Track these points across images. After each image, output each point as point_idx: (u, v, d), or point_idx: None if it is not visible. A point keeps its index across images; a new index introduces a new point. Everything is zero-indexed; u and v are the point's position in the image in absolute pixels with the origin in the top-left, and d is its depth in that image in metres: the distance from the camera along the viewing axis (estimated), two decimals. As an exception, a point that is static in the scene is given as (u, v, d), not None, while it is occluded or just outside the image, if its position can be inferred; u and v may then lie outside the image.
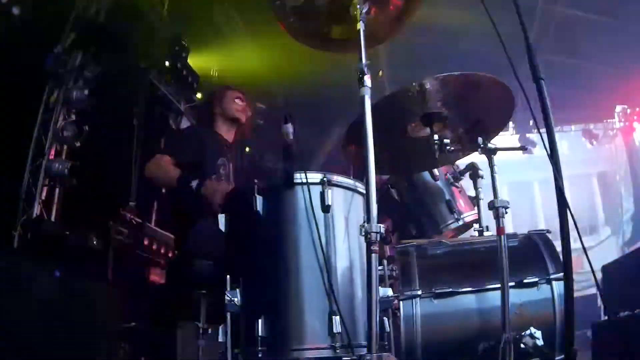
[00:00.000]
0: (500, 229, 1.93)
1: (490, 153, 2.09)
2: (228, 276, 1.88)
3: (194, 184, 2.56)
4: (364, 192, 1.77)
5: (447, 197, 2.89)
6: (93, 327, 3.76)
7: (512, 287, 1.91)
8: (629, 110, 10.63)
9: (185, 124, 7.58)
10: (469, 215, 2.89)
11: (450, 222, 2.86)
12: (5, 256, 3.73)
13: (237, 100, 3.07)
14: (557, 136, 1.63)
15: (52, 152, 5.47)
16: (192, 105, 2.98)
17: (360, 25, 1.84)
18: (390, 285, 2.09)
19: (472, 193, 2.87)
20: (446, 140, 2.19)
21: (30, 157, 5.32)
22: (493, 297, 2.03)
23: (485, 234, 2.67)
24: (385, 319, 1.91)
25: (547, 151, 1.57)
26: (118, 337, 4.20)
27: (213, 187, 2.53)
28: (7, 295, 3.14)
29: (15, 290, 3.23)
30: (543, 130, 1.60)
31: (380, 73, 2.48)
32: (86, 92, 5.53)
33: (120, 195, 6.48)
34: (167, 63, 7.15)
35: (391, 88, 2.09)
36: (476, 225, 2.81)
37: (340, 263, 1.82)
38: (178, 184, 2.63)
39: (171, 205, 2.93)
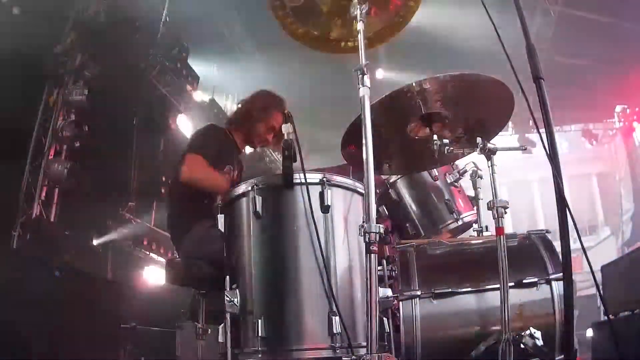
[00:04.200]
0: (499, 229, 1.93)
1: (489, 153, 2.09)
2: (227, 277, 1.89)
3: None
4: (363, 192, 1.77)
5: (447, 197, 2.89)
6: (93, 327, 3.76)
7: (511, 287, 1.91)
8: (628, 110, 10.64)
9: (185, 123, 7.58)
10: (468, 215, 2.89)
11: (449, 222, 2.86)
12: (5, 256, 3.74)
13: (268, 132, 2.95)
14: (557, 136, 1.63)
15: (52, 152, 5.46)
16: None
17: (360, 25, 1.84)
18: (390, 286, 2.09)
19: (472, 193, 2.87)
20: (446, 140, 2.19)
21: (29, 157, 5.31)
22: (492, 297, 2.03)
23: (485, 234, 2.67)
24: (385, 319, 1.91)
25: (546, 151, 1.57)
26: (118, 337, 4.20)
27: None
28: (7, 294, 3.14)
29: (15, 290, 3.23)
30: (542, 130, 1.60)
31: None
32: (86, 92, 5.53)
33: (119, 196, 6.48)
34: (167, 63, 7.15)
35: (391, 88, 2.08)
36: (475, 225, 2.82)
37: (340, 263, 1.82)
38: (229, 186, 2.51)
39: (170, 205, 2.92)
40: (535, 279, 2.09)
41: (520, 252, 2.21)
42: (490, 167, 2.10)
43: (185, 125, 7.55)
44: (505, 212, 1.98)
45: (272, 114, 2.95)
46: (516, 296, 2.01)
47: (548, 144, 1.58)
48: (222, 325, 1.88)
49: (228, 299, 1.81)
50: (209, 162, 2.66)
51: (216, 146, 2.79)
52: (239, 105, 3.09)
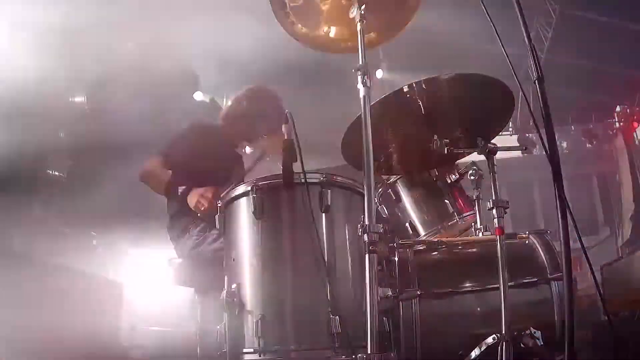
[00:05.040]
0: (499, 229, 1.93)
1: (490, 153, 2.09)
2: (226, 277, 1.89)
3: (180, 189, 2.57)
4: (363, 192, 1.77)
5: (446, 197, 2.88)
6: (93, 327, 3.76)
7: (511, 287, 1.91)
8: (628, 110, 10.63)
9: (186, 124, 7.56)
10: (468, 215, 2.89)
11: (449, 222, 2.85)
12: (5, 256, 3.74)
13: (266, 131, 2.95)
14: (557, 136, 1.63)
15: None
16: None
17: (360, 25, 1.84)
18: (390, 286, 2.09)
19: (472, 193, 2.86)
20: (446, 140, 2.19)
21: (30, 156, 5.30)
22: (492, 297, 2.03)
23: (485, 234, 2.66)
24: (385, 319, 1.91)
25: (546, 151, 1.57)
26: (118, 337, 4.21)
27: (196, 195, 2.54)
28: (7, 294, 3.15)
29: (15, 290, 3.23)
30: (543, 130, 1.60)
31: None
32: (86, 91, 5.53)
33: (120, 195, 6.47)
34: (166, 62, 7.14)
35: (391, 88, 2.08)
36: (476, 225, 2.81)
37: (340, 263, 1.82)
38: (166, 190, 2.65)
39: (169, 205, 2.92)
40: (535, 279, 2.09)
41: (519, 252, 2.21)
42: (491, 167, 2.10)
43: (185, 125, 7.53)
44: (505, 212, 1.98)
45: (271, 114, 2.92)
46: (516, 296, 2.01)
47: (548, 144, 1.58)
48: (221, 325, 1.88)
49: (227, 299, 1.81)
50: (168, 163, 2.73)
51: (187, 147, 2.81)
52: (234, 101, 3.08)
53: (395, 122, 2.24)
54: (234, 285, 1.84)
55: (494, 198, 2.00)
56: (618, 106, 10.68)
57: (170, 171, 2.72)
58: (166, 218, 2.89)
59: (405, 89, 2.06)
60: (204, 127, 2.99)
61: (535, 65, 1.66)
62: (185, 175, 2.71)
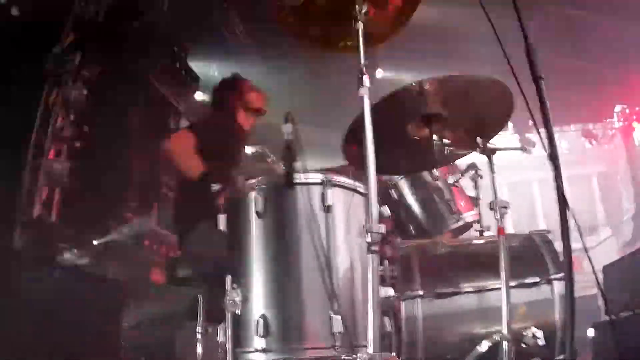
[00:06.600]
0: (500, 229, 1.93)
1: (489, 153, 2.09)
2: (228, 276, 1.89)
3: (215, 187, 2.48)
4: (365, 192, 1.77)
5: (447, 197, 2.89)
6: (93, 327, 3.76)
7: (512, 287, 1.91)
8: (628, 110, 10.63)
9: (184, 124, 7.57)
10: (469, 216, 2.90)
11: (450, 222, 2.86)
12: (5, 256, 3.74)
13: (253, 92, 3.09)
14: (557, 136, 1.63)
15: (52, 152, 5.46)
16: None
17: (360, 25, 1.84)
18: (391, 286, 2.10)
19: (472, 193, 2.87)
20: (446, 140, 2.19)
21: (29, 157, 5.31)
22: (494, 297, 2.03)
23: (486, 234, 2.67)
24: (387, 319, 1.91)
25: (546, 151, 1.57)
26: (118, 337, 4.20)
27: None
28: (7, 295, 3.14)
29: (15, 290, 3.23)
30: (542, 130, 1.60)
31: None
32: (85, 92, 5.52)
33: (120, 195, 6.48)
34: (166, 63, 7.15)
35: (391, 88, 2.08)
36: (476, 226, 2.82)
37: (341, 263, 1.82)
38: (199, 179, 2.53)
39: (173, 204, 2.92)
40: (537, 279, 2.09)
41: (521, 252, 2.21)
42: (490, 167, 2.10)
43: (186, 125, 7.54)
44: (506, 212, 1.98)
45: (243, 81, 3.11)
46: (517, 296, 2.01)
47: (548, 144, 1.58)
48: (222, 324, 1.88)
49: (229, 298, 1.81)
50: (200, 146, 2.66)
51: (215, 133, 2.80)
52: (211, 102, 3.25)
53: (395, 122, 2.23)
54: (235, 285, 1.84)
55: (494, 198, 2.00)
56: (618, 106, 10.70)
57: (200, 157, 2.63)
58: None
59: (405, 89, 2.06)
60: (221, 117, 3.02)
61: (535, 64, 1.66)
62: (211, 159, 2.66)
